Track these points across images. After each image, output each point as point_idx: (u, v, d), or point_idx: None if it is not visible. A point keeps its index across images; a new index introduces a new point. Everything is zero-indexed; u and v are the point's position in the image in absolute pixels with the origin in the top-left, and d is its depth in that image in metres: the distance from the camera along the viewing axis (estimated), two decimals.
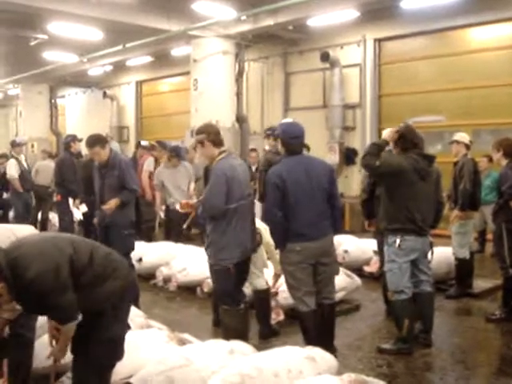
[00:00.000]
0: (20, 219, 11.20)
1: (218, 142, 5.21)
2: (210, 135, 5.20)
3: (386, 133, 5.66)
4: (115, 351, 3.78)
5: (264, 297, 6.09)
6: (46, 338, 4.54)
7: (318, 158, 5.68)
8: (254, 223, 5.43)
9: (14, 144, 11.85)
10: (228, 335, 5.03)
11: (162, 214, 10.04)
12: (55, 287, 3.39)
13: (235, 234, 5.11)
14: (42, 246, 3.51)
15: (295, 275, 5.14)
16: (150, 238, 10.15)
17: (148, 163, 10.70)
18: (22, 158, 11.87)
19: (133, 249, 6.85)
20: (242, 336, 5.09)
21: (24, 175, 11.47)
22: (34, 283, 3.31)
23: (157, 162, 10.81)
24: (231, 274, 5.11)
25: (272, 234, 5.31)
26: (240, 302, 5.31)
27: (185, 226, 6.31)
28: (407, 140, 5.57)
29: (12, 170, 11.38)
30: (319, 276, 5.19)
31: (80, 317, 3.54)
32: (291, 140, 5.17)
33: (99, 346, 3.66)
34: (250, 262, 5.49)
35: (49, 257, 3.42)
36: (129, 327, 3.93)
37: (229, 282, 5.16)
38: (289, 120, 5.50)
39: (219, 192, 5.03)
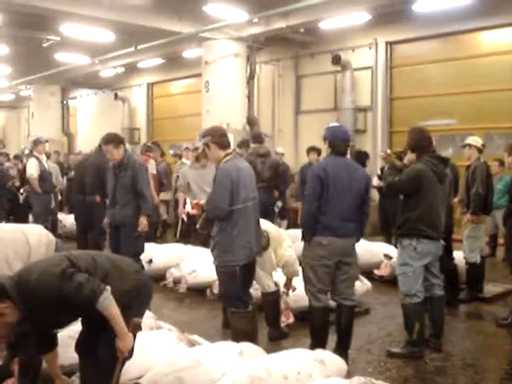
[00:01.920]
0: (39, 221, 10.71)
1: (223, 144, 5.21)
2: (215, 137, 5.21)
3: (408, 157, 5.79)
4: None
5: (273, 299, 6.09)
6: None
7: (357, 164, 5.75)
8: (259, 225, 5.43)
9: (36, 142, 11.09)
10: (237, 337, 5.03)
11: (185, 217, 9.61)
12: (62, 276, 3.43)
13: (240, 235, 5.10)
14: (40, 260, 3.76)
15: (316, 270, 5.19)
16: (151, 239, 10.12)
17: (151, 166, 10.61)
18: (44, 158, 11.16)
19: (143, 250, 6.87)
20: (251, 337, 5.09)
21: (44, 176, 10.76)
22: (38, 283, 3.35)
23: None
24: (237, 276, 5.11)
25: (303, 223, 5.36)
26: (247, 303, 5.30)
27: (198, 227, 6.33)
28: (416, 143, 5.65)
29: (32, 169, 10.61)
30: (342, 276, 5.25)
31: (109, 288, 3.51)
32: (339, 142, 5.30)
33: (108, 346, 3.64)
34: (255, 264, 5.48)
35: (47, 261, 3.57)
36: (140, 328, 3.91)
37: (235, 285, 5.16)
38: (336, 124, 5.64)
39: (223, 193, 5.04)
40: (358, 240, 5.43)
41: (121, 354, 3.68)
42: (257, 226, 5.36)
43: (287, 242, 6.27)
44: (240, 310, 5.23)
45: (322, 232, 5.13)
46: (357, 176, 5.25)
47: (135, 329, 3.76)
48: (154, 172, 10.57)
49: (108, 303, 3.50)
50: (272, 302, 6.08)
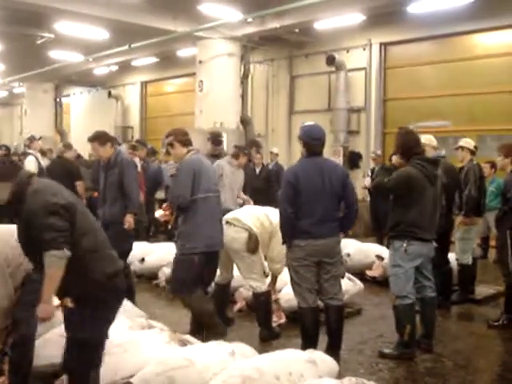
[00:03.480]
0: None
1: (185, 142, 5.62)
2: (178, 136, 5.62)
3: (395, 159, 5.81)
4: (90, 356, 3.60)
5: (264, 299, 6.10)
6: (47, 336, 4.55)
7: (335, 162, 5.78)
8: (221, 220, 5.74)
9: (31, 139, 11.14)
10: (200, 319, 5.41)
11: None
12: (49, 207, 3.38)
13: (200, 224, 5.39)
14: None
15: (298, 271, 5.21)
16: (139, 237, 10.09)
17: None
18: (39, 155, 11.06)
19: (130, 249, 6.86)
20: (214, 314, 5.47)
21: (41, 173, 10.52)
22: (35, 193, 3.45)
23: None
24: (194, 264, 5.38)
25: (281, 228, 5.39)
26: (193, 290, 5.52)
27: (169, 227, 6.45)
28: (402, 144, 5.68)
29: (31, 167, 10.28)
30: (326, 275, 5.24)
31: (68, 254, 3.35)
32: (312, 141, 5.27)
33: (73, 347, 3.55)
34: (217, 258, 5.72)
35: (58, 189, 3.58)
36: (107, 337, 3.73)
37: (188, 272, 5.43)
38: (310, 123, 5.61)
39: (184, 182, 5.40)
40: (344, 233, 5.59)
41: (37, 318, 3.58)
42: (220, 219, 5.70)
43: (279, 235, 6.28)
44: (188, 294, 5.49)
45: (300, 235, 5.15)
46: (330, 176, 5.21)
47: (61, 306, 3.62)
48: (139, 170, 10.48)
49: (55, 262, 3.35)
50: (263, 302, 6.09)
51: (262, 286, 6.07)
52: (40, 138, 11.67)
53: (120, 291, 3.74)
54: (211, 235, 5.46)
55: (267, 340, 5.99)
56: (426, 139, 6.54)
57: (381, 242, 10.20)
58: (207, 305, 5.60)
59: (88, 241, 3.52)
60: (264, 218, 6.21)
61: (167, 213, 5.83)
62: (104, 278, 3.53)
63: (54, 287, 3.40)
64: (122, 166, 6.72)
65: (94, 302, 3.52)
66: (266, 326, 6.11)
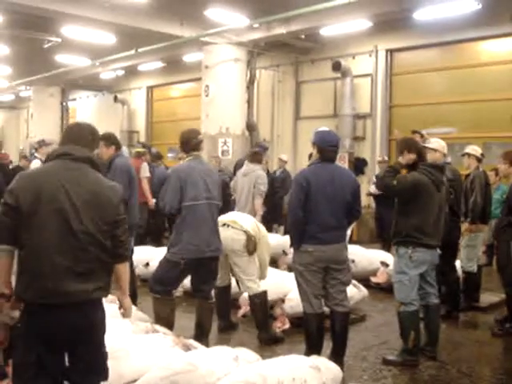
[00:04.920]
0: None
1: (184, 148, 5.76)
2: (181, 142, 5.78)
3: (403, 159, 5.73)
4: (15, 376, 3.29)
5: (261, 301, 6.14)
6: None
7: (347, 169, 5.76)
8: (215, 225, 5.67)
9: (41, 143, 11.11)
10: (158, 323, 5.29)
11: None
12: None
13: (188, 232, 5.41)
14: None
15: (305, 276, 5.20)
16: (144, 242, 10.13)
17: (144, 169, 10.47)
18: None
19: (131, 252, 6.85)
20: (170, 326, 5.39)
21: None
22: None
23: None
24: (178, 267, 5.42)
25: (290, 232, 5.42)
26: (170, 293, 5.64)
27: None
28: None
29: None
30: (332, 281, 5.24)
31: (4, 247, 3.18)
32: (328, 147, 5.26)
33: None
34: (212, 264, 5.66)
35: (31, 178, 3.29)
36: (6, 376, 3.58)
37: (169, 272, 5.50)
38: (325, 128, 5.59)
39: (172, 191, 5.46)
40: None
41: None
42: (213, 225, 5.61)
43: (266, 241, 6.41)
44: (162, 297, 5.54)
45: (309, 240, 5.14)
46: (342, 184, 5.21)
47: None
48: (148, 175, 10.47)
49: None
50: (259, 304, 6.13)
51: (259, 287, 6.11)
52: (48, 144, 11.63)
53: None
54: (196, 243, 5.42)
55: (266, 342, 6.02)
56: (440, 145, 6.52)
57: (385, 249, 10.19)
58: (171, 314, 5.64)
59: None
60: (256, 223, 6.33)
61: None
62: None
63: None
64: (116, 172, 6.67)
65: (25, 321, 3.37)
66: (264, 328, 6.14)
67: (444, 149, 6.59)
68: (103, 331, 3.38)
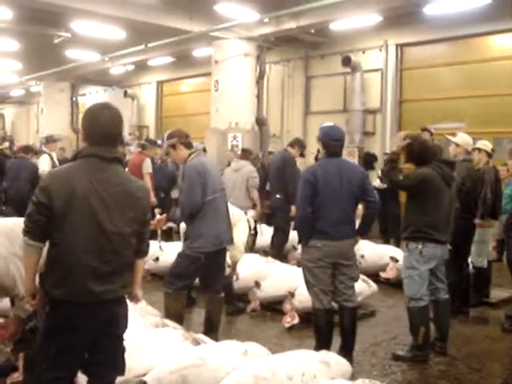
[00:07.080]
0: None
1: (188, 144, 5.57)
2: (181, 138, 5.54)
3: (394, 146, 5.72)
4: (56, 361, 3.24)
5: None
6: None
7: (353, 163, 5.76)
8: (228, 216, 5.70)
9: (49, 139, 11.25)
10: (168, 318, 5.32)
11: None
12: (34, 191, 3.22)
13: (210, 225, 5.39)
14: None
15: (313, 272, 5.21)
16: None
17: (146, 165, 10.35)
18: (54, 155, 11.23)
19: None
20: (180, 320, 5.41)
21: None
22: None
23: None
24: (200, 262, 5.39)
25: (298, 228, 5.45)
26: (185, 289, 5.70)
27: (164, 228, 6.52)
28: (420, 156, 5.61)
29: (44, 165, 10.56)
30: (341, 277, 5.26)
31: (34, 244, 3.19)
32: (332, 142, 5.28)
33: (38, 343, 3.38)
34: (225, 254, 5.77)
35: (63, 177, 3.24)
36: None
37: (189, 268, 5.46)
38: (329, 123, 5.57)
39: (195, 188, 5.35)
40: (362, 236, 5.55)
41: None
42: (227, 216, 5.65)
43: (242, 225, 6.57)
44: (175, 292, 5.51)
45: (317, 236, 5.15)
46: (349, 177, 5.21)
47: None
48: (150, 171, 10.38)
49: (26, 249, 3.24)
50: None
51: None
52: (56, 139, 11.67)
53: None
54: (217, 234, 5.45)
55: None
56: (464, 141, 6.48)
57: (388, 243, 10.22)
58: (181, 309, 5.65)
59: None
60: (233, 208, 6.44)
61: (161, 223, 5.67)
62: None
63: (29, 279, 3.32)
64: None
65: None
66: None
67: (467, 145, 6.56)
68: (125, 326, 3.44)
